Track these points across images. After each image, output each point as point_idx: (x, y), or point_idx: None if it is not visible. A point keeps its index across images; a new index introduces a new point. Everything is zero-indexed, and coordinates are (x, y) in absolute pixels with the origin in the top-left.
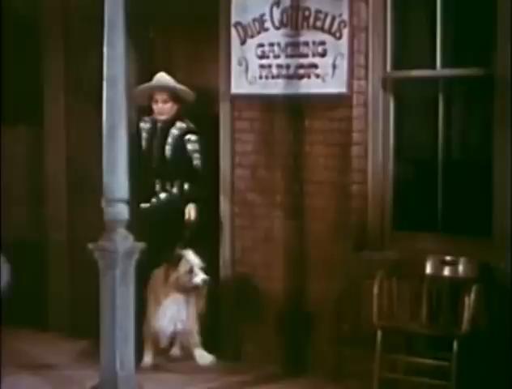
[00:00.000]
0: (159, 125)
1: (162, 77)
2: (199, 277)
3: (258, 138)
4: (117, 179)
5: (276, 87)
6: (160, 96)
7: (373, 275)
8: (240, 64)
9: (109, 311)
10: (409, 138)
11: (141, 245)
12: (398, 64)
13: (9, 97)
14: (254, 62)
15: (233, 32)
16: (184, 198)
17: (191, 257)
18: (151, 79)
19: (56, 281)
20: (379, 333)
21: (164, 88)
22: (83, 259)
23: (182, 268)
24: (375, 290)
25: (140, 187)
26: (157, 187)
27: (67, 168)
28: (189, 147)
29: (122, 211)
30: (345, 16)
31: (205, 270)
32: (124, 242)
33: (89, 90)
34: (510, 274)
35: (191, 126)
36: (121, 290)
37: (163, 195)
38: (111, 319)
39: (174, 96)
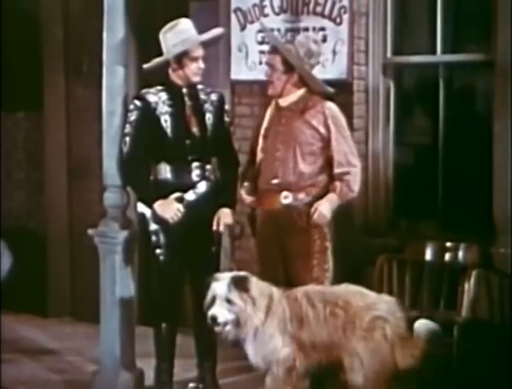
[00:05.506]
0: (184, 91)
1: (190, 26)
2: (210, 313)
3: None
4: (117, 164)
5: None
6: (198, 53)
7: (373, 261)
8: (240, 50)
9: (110, 296)
10: (409, 123)
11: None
12: (398, 50)
13: (8, 83)
14: (254, 48)
15: (233, 17)
16: (222, 196)
17: (218, 284)
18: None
19: (56, 267)
20: None
21: (209, 40)
22: (83, 245)
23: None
24: (375, 276)
25: (173, 178)
26: (194, 174)
27: (67, 154)
28: (227, 119)
29: (122, 196)
30: (345, 2)
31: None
32: (124, 228)
33: (89, 75)
34: (511, 260)
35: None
36: (121, 275)
37: (202, 185)
38: (111, 304)
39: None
